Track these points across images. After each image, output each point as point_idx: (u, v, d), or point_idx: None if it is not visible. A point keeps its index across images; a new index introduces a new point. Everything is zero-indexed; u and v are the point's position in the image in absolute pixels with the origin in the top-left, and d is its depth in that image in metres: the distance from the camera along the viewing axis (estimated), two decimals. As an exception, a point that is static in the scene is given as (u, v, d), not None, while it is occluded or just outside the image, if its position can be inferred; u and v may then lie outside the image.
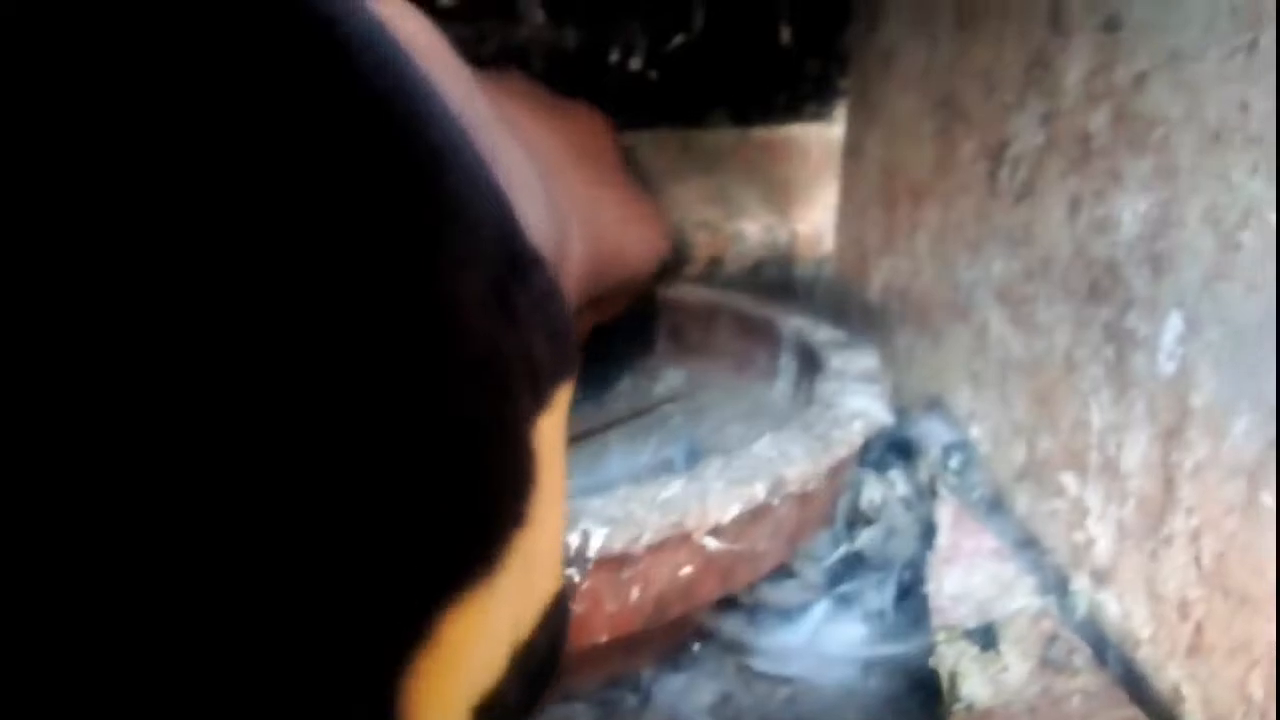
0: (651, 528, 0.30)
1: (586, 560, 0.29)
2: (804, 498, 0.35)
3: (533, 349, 0.17)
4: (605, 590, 0.31)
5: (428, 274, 0.15)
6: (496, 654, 0.18)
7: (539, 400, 0.18)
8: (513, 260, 0.18)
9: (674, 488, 0.32)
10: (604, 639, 0.32)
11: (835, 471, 0.37)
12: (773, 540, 0.36)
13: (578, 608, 0.31)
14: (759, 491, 0.33)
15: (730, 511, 0.32)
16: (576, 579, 0.30)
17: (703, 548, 0.32)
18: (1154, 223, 0.32)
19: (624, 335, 0.50)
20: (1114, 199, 0.34)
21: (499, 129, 0.25)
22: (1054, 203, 0.38)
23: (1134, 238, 0.33)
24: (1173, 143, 0.32)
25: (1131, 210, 0.33)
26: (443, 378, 0.15)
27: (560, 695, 0.38)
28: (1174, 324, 0.31)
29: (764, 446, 0.35)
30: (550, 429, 0.18)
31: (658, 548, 0.31)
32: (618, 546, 0.30)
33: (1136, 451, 0.33)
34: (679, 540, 0.32)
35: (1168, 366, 0.32)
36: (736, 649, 0.41)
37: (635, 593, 0.32)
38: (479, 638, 0.16)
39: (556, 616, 0.21)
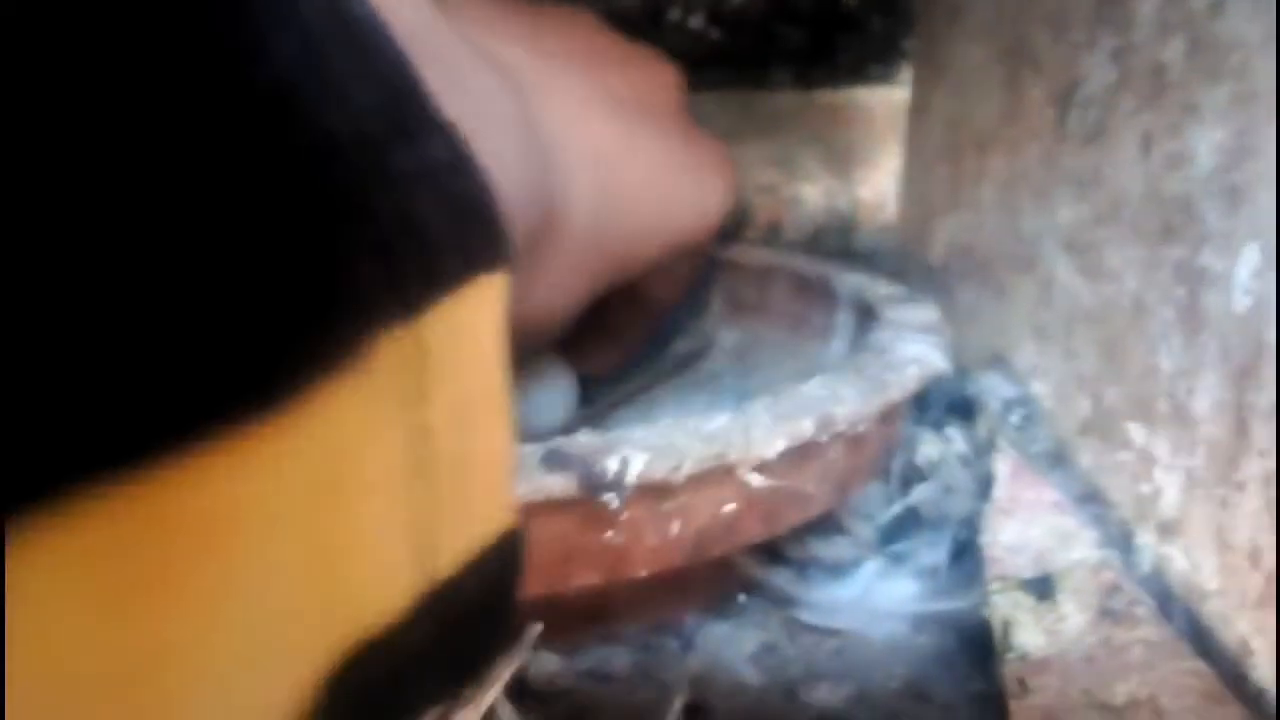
0: (693, 457, 0.30)
1: (625, 486, 0.29)
2: (854, 440, 0.34)
3: (416, 216, 0.15)
4: (645, 522, 0.31)
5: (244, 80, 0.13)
6: (376, 578, 0.16)
7: (429, 276, 0.16)
8: (399, 123, 0.16)
9: (719, 421, 0.31)
10: (643, 574, 0.32)
11: (888, 416, 0.36)
12: (821, 484, 0.35)
13: (616, 539, 0.31)
14: (806, 427, 0.32)
15: (776, 446, 0.31)
16: (615, 505, 0.29)
17: (746, 484, 0.32)
18: (1230, 153, 0.31)
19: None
20: (1188, 132, 0.33)
21: (460, 51, 0.24)
22: (1125, 141, 0.36)
23: (1209, 171, 0.32)
24: (1251, 68, 0.30)
25: (1207, 142, 0.32)
26: (269, 174, 0.13)
27: (600, 637, 0.37)
28: (1249, 258, 0.30)
29: (814, 386, 0.34)
30: (461, 317, 0.16)
31: (699, 479, 0.30)
32: (658, 474, 0.29)
33: (1208, 395, 0.31)
34: (721, 473, 0.31)
35: (1242, 303, 0.30)
36: (783, 602, 0.40)
37: (676, 527, 0.31)
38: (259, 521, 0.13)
39: (497, 561, 0.18)
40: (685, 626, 0.38)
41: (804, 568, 0.42)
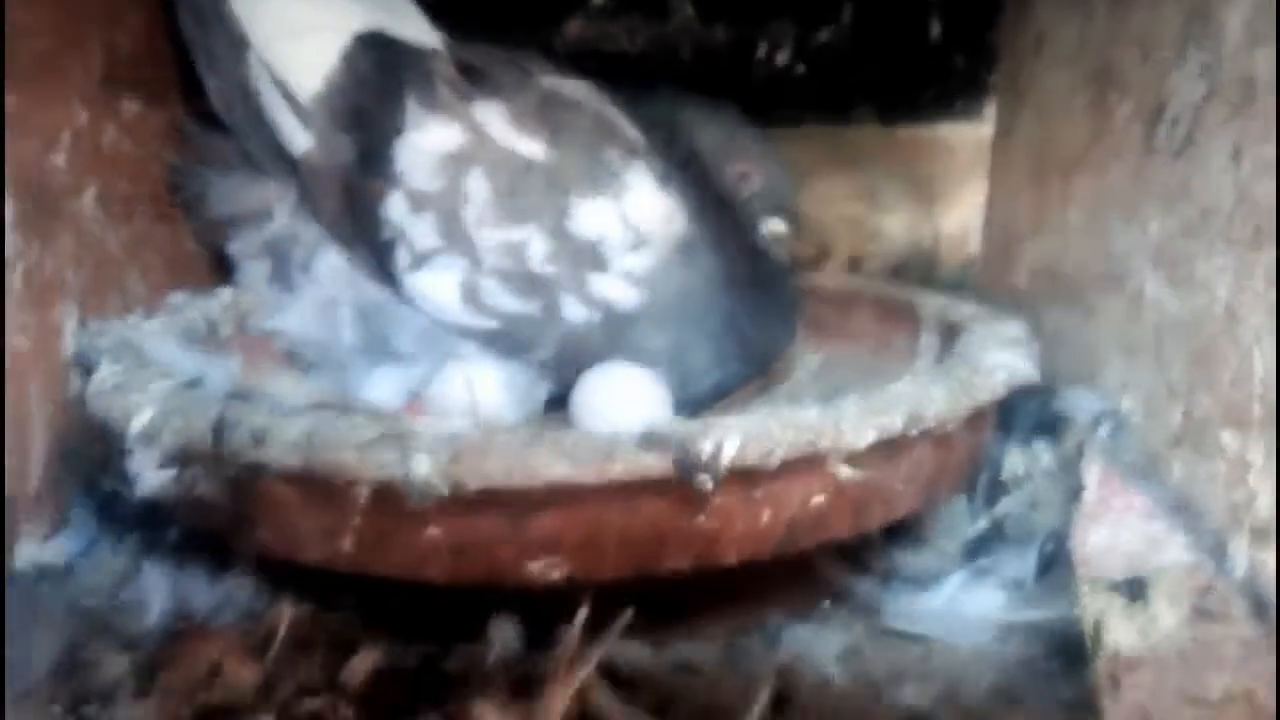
0: (786, 443, 0.30)
1: (719, 469, 0.30)
2: (941, 441, 0.35)
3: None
4: (736, 509, 0.32)
5: None
6: None
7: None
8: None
9: (810, 412, 0.32)
10: (733, 560, 0.33)
11: (975, 421, 0.36)
12: (908, 482, 0.35)
13: (708, 524, 0.32)
14: (895, 421, 0.32)
15: (866, 437, 0.32)
16: (709, 487, 0.30)
17: (835, 476, 0.32)
18: (1324, 155, 0.31)
19: (763, 325, 0.50)
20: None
21: None
22: (1215, 152, 0.36)
23: (1302, 174, 0.32)
24: (1345, 71, 0.30)
25: (1299, 146, 0.32)
26: None
27: (686, 634, 0.38)
28: (1345, 256, 0.30)
29: (903, 385, 0.35)
30: None
31: (790, 468, 0.31)
32: (751, 458, 0.30)
33: (1303, 397, 0.31)
34: (812, 463, 0.32)
35: (1338, 301, 0.30)
36: (867, 609, 0.41)
37: (766, 515, 0.32)
38: None
39: None
40: (769, 627, 0.39)
41: (888, 577, 0.42)
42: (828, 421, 0.32)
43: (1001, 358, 0.38)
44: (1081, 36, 0.48)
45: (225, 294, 0.51)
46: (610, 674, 0.33)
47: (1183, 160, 0.39)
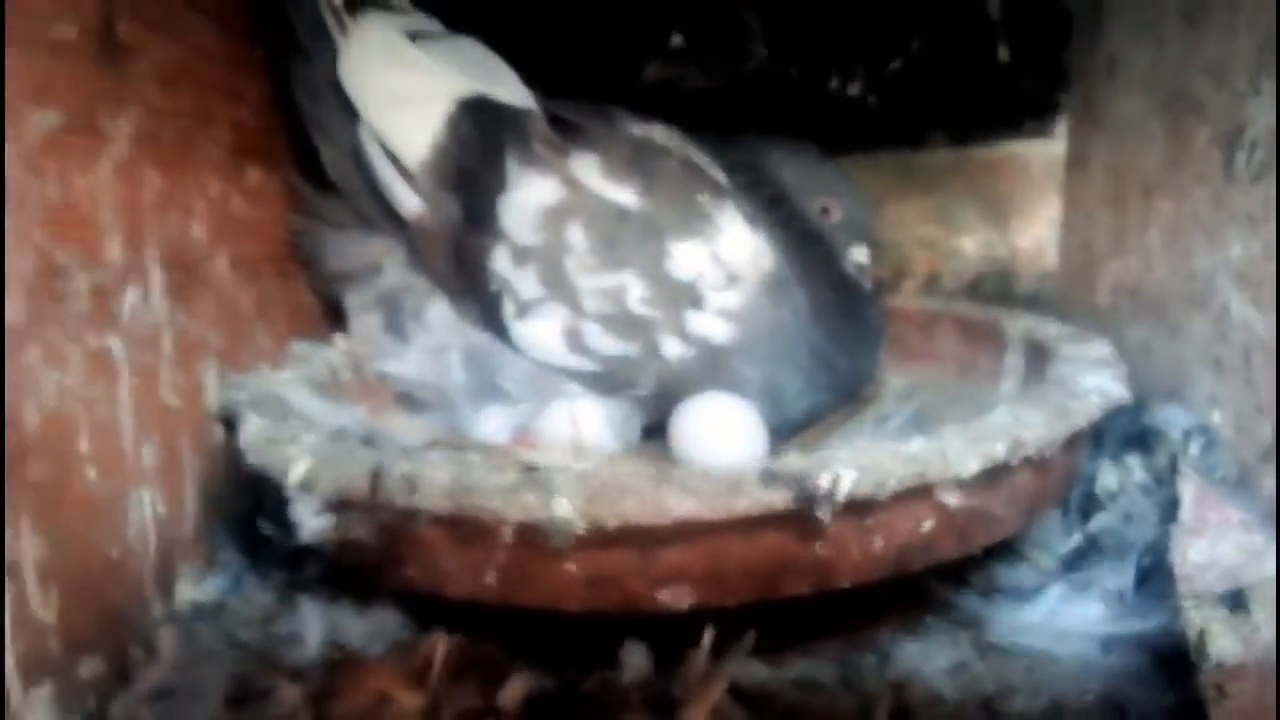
0: (897, 475, 0.33)
1: (836, 501, 0.32)
2: (1041, 465, 0.37)
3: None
4: (851, 537, 0.34)
5: None
6: None
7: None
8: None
9: (915, 443, 0.34)
10: (847, 585, 0.35)
11: (1072, 442, 0.38)
12: (1009, 506, 0.37)
13: (825, 552, 0.34)
14: (999, 450, 0.34)
15: (970, 467, 0.34)
16: (827, 519, 0.32)
17: (943, 503, 0.34)
18: (1405, 182, 0.32)
19: (850, 353, 0.52)
20: (1360, 165, 0.34)
21: None
22: (1295, 177, 0.38)
23: (1383, 200, 0.33)
24: None
25: (1379, 173, 0.33)
26: None
27: (803, 653, 0.40)
28: None
29: (1000, 414, 0.37)
30: None
31: (901, 497, 0.33)
32: (864, 490, 0.32)
33: (1395, 413, 0.33)
34: (921, 492, 0.34)
35: None
36: (970, 624, 0.42)
37: (878, 542, 0.34)
38: None
39: None
40: (880, 644, 0.41)
41: (988, 592, 0.44)
42: (934, 452, 0.34)
43: (1094, 380, 0.40)
44: (1155, 61, 0.50)
45: (341, 342, 0.54)
46: (735, 692, 0.36)
47: (1262, 185, 0.40)
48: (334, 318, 0.56)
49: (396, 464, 0.35)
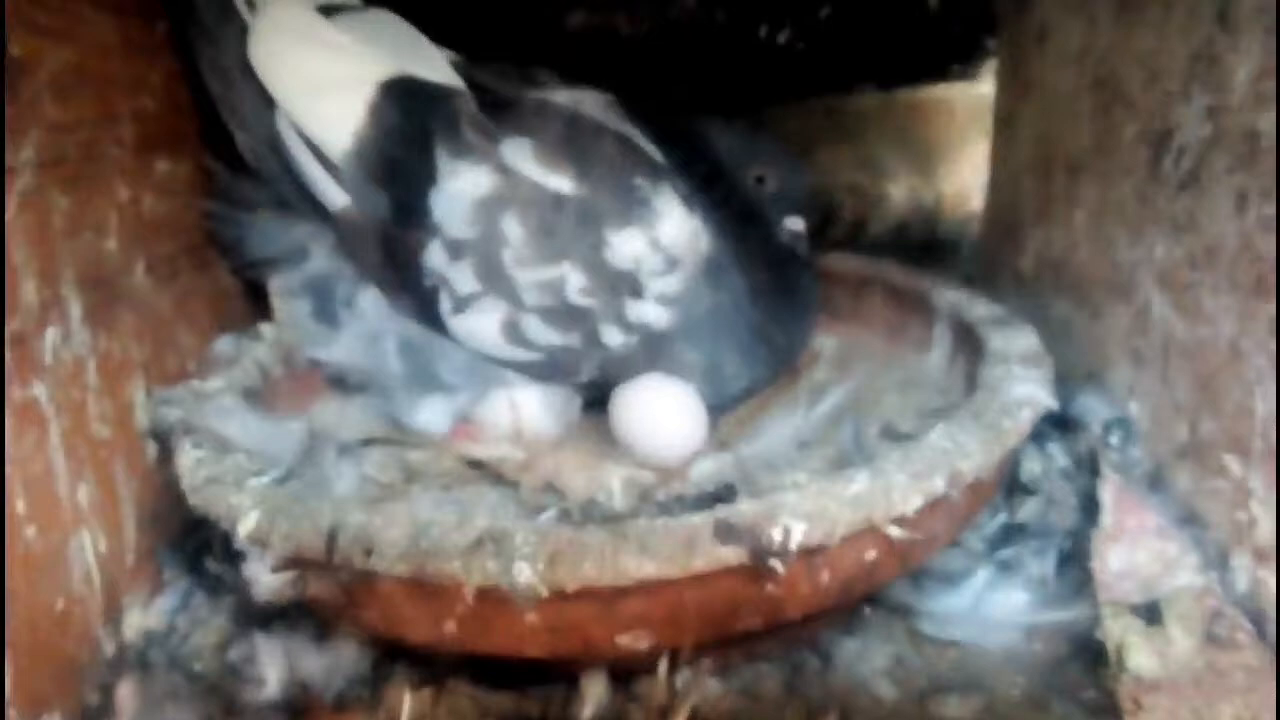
0: (844, 521, 0.34)
1: (789, 553, 0.33)
2: (976, 485, 0.38)
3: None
4: (800, 576, 0.35)
5: None
6: None
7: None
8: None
9: (860, 482, 0.35)
10: (797, 616, 0.36)
11: (1005, 460, 0.40)
12: (947, 524, 0.39)
13: (776, 591, 0.35)
14: (938, 485, 0.36)
15: (913, 504, 0.35)
16: (780, 569, 0.33)
17: (887, 536, 0.36)
18: (1326, 227, 0.34)
19: (786, 326, 0.53)
20: (1284, 199, 0.35)
21: None
22: (1220, 195, 0.39)
23: (1305, 239, 0.35)
24: (1348, 150, 0.33)
25: (1303, 213, 0.35)
26: None
27: (747, 657, 0.42)
28: (1345, 327, 0.33)
29: (939, 437, 0.38)
30: None
31: (848, 539, 0.34)
32: (815, 539, 0.34)
33: (1303, 443, 0.35)
34: (866, 530, 0.35)
35: (1337, 367, 0.33)
36: (904, 612, 0.45)
37: (826, 576, 0.36)
38: None
39: None
40: (819, 642, 0.43)
41: (919, 579, 0.46)
42: (878, 492, 0.35)
43: (1024, 390, 0.41)
44: (1086, 41, 0.49)
45: (267, 332, 0.53)
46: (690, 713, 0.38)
47: (1188, 194, 0.41)
48: (257, 304, 0.54)
49: (351, 519, 0.34)
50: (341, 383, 0.54)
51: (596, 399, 0.52)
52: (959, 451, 0.37)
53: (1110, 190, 0.47)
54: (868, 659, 0.42)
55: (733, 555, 0.33)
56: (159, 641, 0.43)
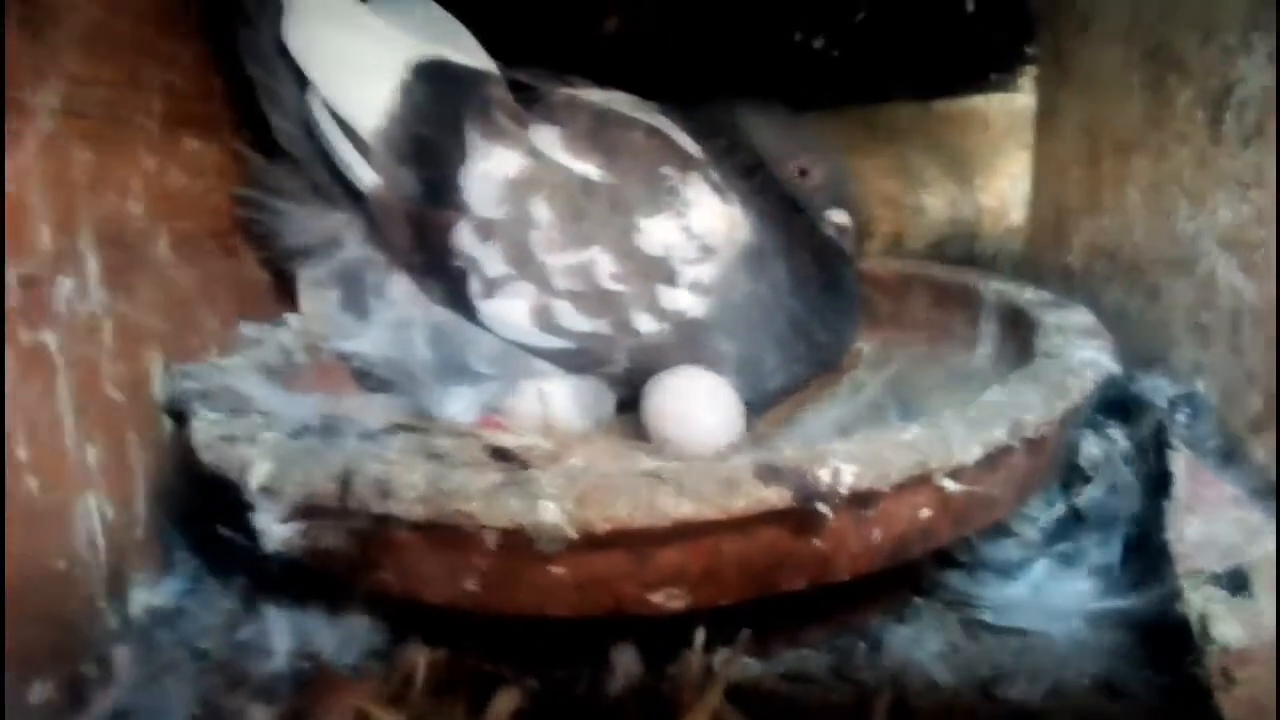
0: (898, 465, 0.31)
1: (838, 495, 0.31)
2: (1037, 444, 0.36)
3: None
4: (850, 529, 0.32)
5: None
6: None
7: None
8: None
9: (914, 431, 0.33)
10: (845, 578, 0.34)
11: (1066, 419, 0.37)
12: (1006, 487, 0.36)
13: (823, 546, 0.32)
14: (1000, 435, 0.33)
15: (972, 454, 0.33)
16: (829, 514, 0.31)
17: (942, 490, 0.33)
18: None
19: (828, 322, 0.51)
20: (1362, 131, 0.33)
21: None
22: (1290, 142, 0.37)
23: (1388, 169, 0.32)
24: None
25: (1384, 141, 0.32)
26: None
27: (790, 643, 0.39)
28: None
29: (996, 394, 0.36)
30: None
31: (901, 487, 0.32)
32: (866, 483, 0.31)
33: (1397, 388, 0.32)
34: (921, 481, 0.32)
35: None
36: (958, 604, 0.42)
37: (877, 533, 0.33)
38: None
39: None
40: (868, 629, 0.40)
41: (974, 570, 0.43)
42: (935, 440, 0.32)
43: (1087, 354, 0.39)
44: (1133, 14, 0.48)
45: (294, 321, 0.52)
46: (729, 691, 0.35)
47: (1252, 149, 0.39)
48: (283, 296, 0.53)
49: (367, 465, 0.32)
50: (368, 377, 0.52)
51: (631, 399, 0.50)
52: (1020, 404, 0.35)
53: (1165, 162, 0.45)
54: (921, 645, 0.39)
55: (776, 497, 0.30)
56: (165, 622, 0.40)
